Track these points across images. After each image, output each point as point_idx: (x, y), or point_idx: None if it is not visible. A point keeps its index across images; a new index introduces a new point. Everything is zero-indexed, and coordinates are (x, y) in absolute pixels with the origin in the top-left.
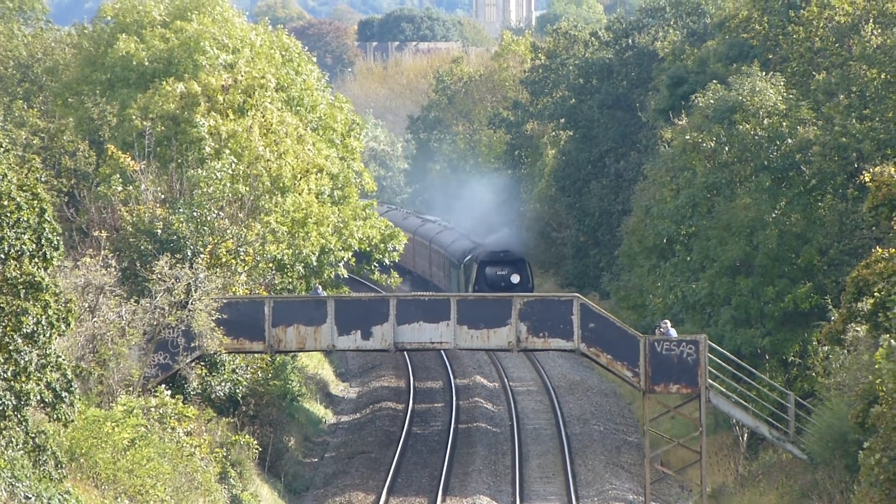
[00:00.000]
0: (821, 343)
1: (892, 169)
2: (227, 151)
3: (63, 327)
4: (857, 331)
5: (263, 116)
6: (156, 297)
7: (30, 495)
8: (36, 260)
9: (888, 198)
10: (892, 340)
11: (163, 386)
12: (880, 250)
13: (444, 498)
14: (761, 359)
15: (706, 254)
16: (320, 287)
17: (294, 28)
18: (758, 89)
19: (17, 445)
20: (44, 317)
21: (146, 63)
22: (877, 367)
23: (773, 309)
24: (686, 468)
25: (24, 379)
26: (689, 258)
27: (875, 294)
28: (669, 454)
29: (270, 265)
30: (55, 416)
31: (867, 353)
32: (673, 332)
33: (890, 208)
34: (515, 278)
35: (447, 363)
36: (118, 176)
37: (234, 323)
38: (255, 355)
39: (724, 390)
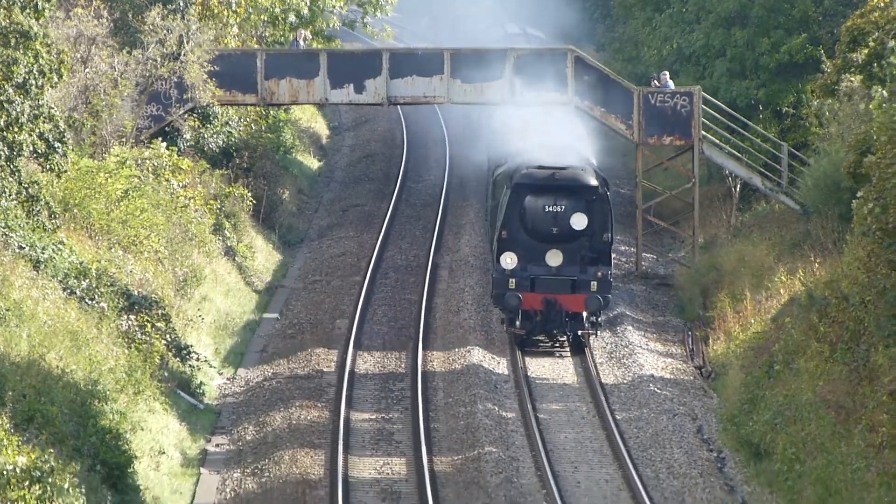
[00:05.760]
0: (815, 94)
1: None
2: None
3: (55, 78)
4: (851, 81)
5: None
6: (148, 49)
7: (23, 245)
8: (27, 10)
9: None
10: (885, 92)
11: (159, 139)
12: None
13: (437, 251)
14: (755, 110)
15: (702, 5)
16: (304, 31)
17: None
18: None
19: (10, 196)
20: (35, 67)
21: None
22: (875, 117)
23: (768, 60)
24: (678, 219)
25: (16, 129)
26: (684, 10)
27: (870, 44)
28: (662, 206)
29: (262, 17)
30: (48, 166)
31: (861, 103)
32: (671, 84)
33: None
34: (579, 221)
35: (441, 119)
36: None
37: (227, 75)
38: (249, 108)
39: (717, 142)
